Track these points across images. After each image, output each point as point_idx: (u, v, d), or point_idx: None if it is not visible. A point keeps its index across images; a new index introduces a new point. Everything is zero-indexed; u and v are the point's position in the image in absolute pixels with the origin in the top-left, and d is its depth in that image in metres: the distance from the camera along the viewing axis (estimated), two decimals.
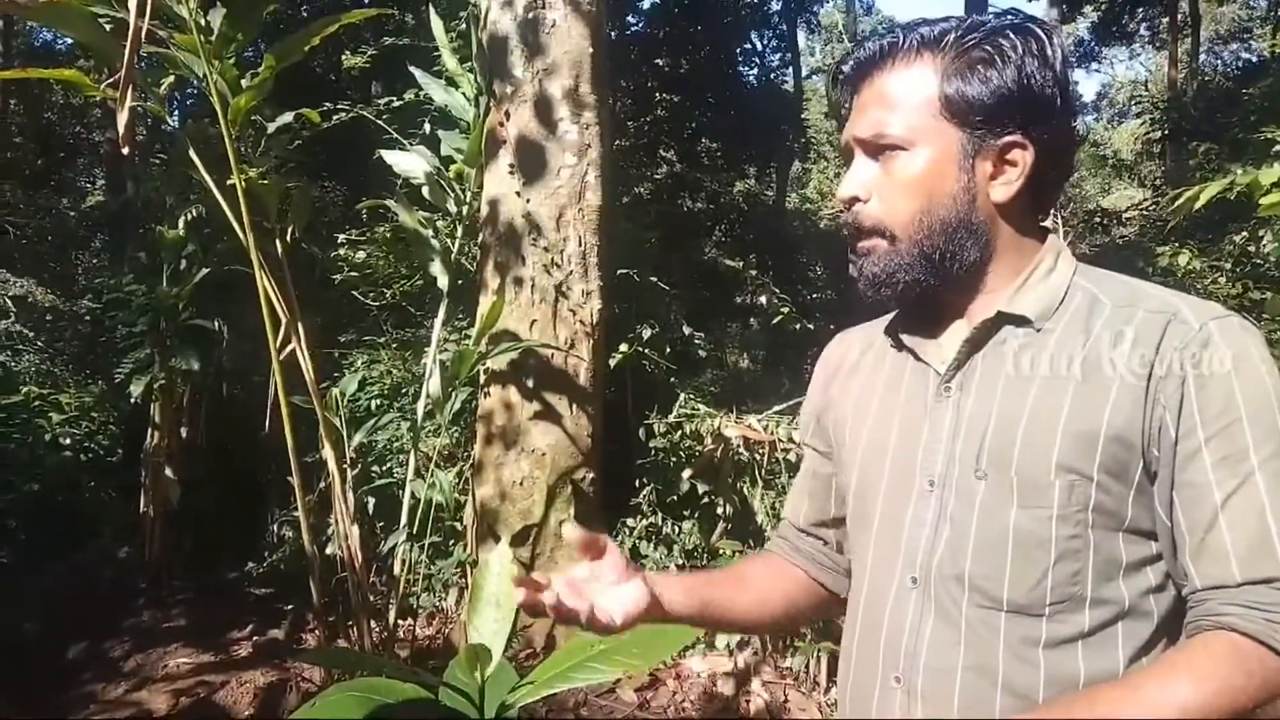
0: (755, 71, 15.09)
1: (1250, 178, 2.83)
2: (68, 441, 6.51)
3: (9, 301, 11.79)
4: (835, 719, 1.18)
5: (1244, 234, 6.07)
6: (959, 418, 1.04)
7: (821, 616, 1.28)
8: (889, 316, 1.19)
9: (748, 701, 3.54)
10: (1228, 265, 6.22)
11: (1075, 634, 0.97)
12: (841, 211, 1.11)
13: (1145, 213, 9.36)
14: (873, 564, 1.12)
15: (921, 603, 1.04)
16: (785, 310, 4.59)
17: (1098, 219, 9.43)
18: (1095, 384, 0.97)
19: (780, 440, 4.02)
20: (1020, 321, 1.04)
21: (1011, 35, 1.02)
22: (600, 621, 0.97)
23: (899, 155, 1.04)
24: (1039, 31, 1.03)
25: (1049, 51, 1.02)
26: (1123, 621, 0.97)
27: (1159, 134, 10.73)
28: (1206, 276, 6.12)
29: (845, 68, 1.10)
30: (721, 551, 3.96)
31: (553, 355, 3.98)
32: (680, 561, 4.02)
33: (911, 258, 1.05)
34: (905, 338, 1.14)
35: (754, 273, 8.62)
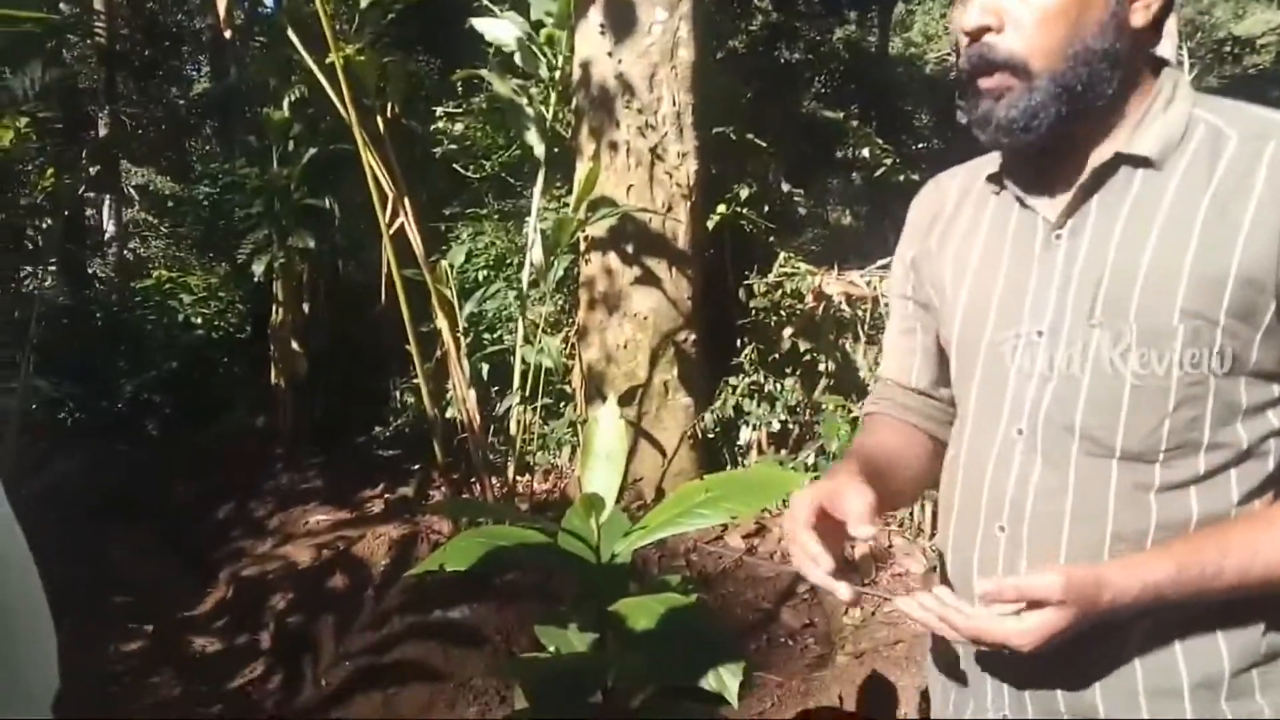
0: None
1: None
2: (199, 321, 6.89)
3: (133, 191, 12.33)
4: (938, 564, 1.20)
5: None
6: (1070, 266, 1.00)
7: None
8: (989, 158, 1.11)
9: (853, 548, 3.64)
10: None
11: (1190, 478, 0.96)
12: (962, 44, 1.01)
13: None
14: (975, 416, 1.10)
15: (1027, 453, 1.02)
16: (889, 162, 4.47)
17: (1228, 47, 8.71)
18: (1224, 223, 0.92)
19: (883, 295, 4.00)
20: (1140, 162, 0.98)
21: None
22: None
23: None
24: None
25: None
26: (1238, 465, 0.96)
27: None
28: None
29: None
30: (824, 406, 4.01)
31: (650, 219, 4.00)
32: (783, 418, 4.09)
33: (1053, 94, 0.96)
34: (1010, 183, 1.07)
35: (855, 124, 8.31)
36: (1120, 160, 0.98)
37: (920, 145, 13.22)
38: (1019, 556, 1.02)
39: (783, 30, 11.95)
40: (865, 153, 6.53)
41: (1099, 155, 1.00)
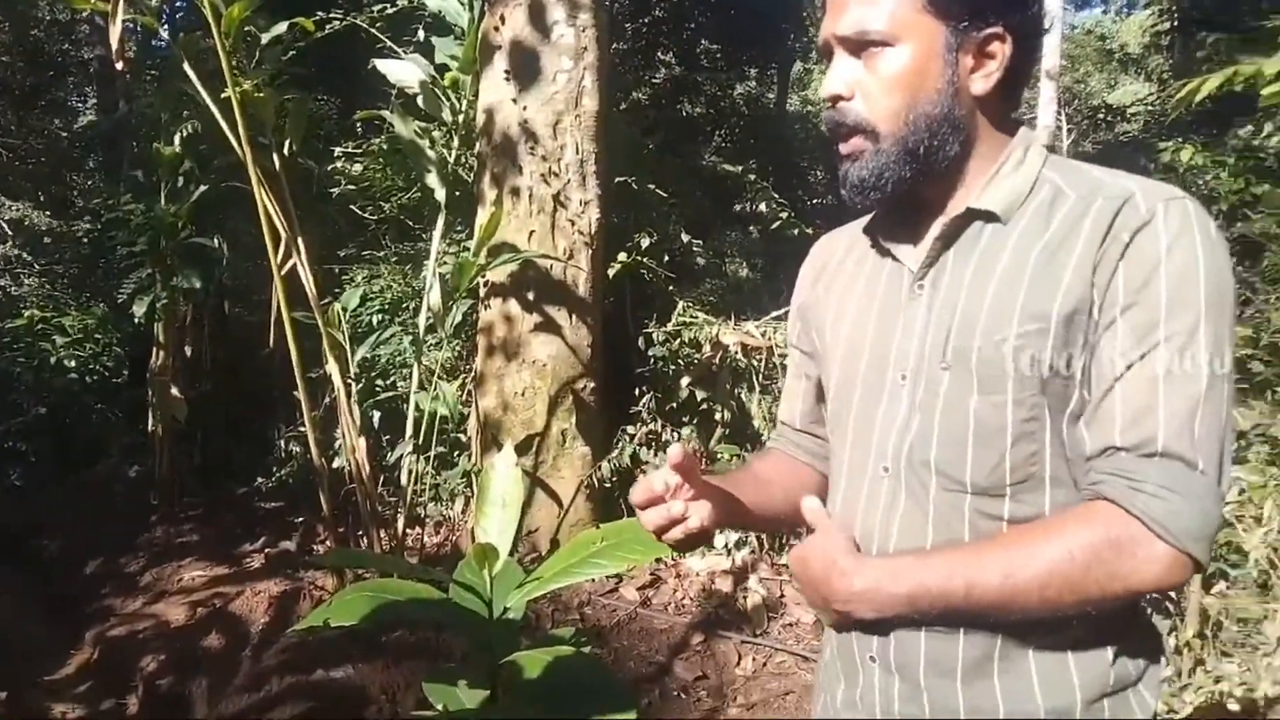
0: None
1: (1254, 69, 2.79)
2: (72, 364, 6.55)
3: (5, 225, 11.74)
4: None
5: (1249, 127, 5.97)
6: (929, 314, 1.07)
7: None
8: (870, 217, 1.21)
9: (745, 597, 3.63)
10: (1230, 160, 6.14)
11: (1037, 512, 1.01)
12: (825, 109, 1.10)
13: (1150, 108, 9.21)
14: (850, 457, 1.16)
15: (894, 489, 1.09)
16: (785, 216, 4.56)
17: (1102, 115, 9.26)
18: (1050, 271, 0.99)
19: (778, 346, 4.04)
20: (988, 217, 1.05)
21: None
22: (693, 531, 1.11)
23: (883, 51, 1.03)
24: None
25: None
26: (1080, 498, 1.00)
27: (1167, 25, 10.48)
28: (1209, 171, 6.04)
29: None
30: (719, 456, 4.01)
31: (552, 266, 3.98)
32: None
33: (897, 155, 1.05)
34: (881, 238, 1.16)
35: (753, 178, 8.50)
36: (972, 215, 1.06)
37: (815, 201, 13.57)
38: None
39: (685, 84, 12.20)
40: (763, 206, 6.65)
41: (952, 209, 1.08)
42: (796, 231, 4.77)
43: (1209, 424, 0.92)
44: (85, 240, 6.02)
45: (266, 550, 4.53)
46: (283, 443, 5.50)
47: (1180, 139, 6.06)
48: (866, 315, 1.15)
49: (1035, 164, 1.07)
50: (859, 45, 1.05)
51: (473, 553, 1.73)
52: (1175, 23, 10.01)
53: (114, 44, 3.22)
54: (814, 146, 14.75)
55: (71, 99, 16.02)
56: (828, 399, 1.24)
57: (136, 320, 5.05)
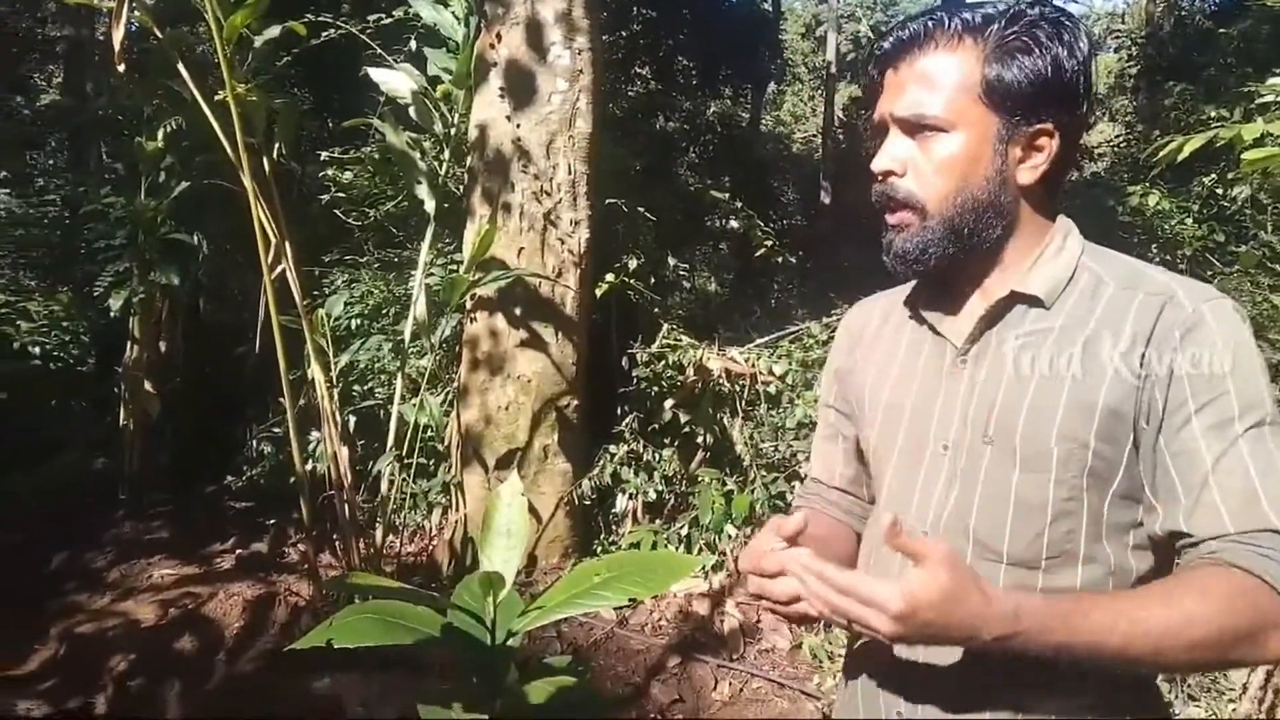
0: None
1: (1233, 133, 2.91)
2: (37, 351, 6.43)
3: None
4: (844, 655, 1.26)
5: (1213, 176, 6.18)
6: (972, 388, 1.12)
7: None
8: (907, 288, 1.26)
9: (722, 621, 3.69)
10: (1195, 207, 6.34)
11: (1069, 587, 1.06)
12: (876, 182, 1.15)
13: (1118, 149, 9.44)
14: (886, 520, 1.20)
15: None
16: (769, 244, 4.64)
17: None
18: (1096, 360, 1.05)
19: (761, 373, 4.11)
20: (1032, 301, 1.11)
21: (1046, 25, 1.07)
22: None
23: (938, 136, 1.09)
24: (1069, 23, 1.09)
25: (1080, 43, 1.08)
26: (1111, 578, 1.06)
27: (1134, 69, 10.77)
28: (1174, 217, 6.24)
29: (885, 44, 1.14)
30: (700, 479, 4.07)
31: (540, 283, 4.01)
32: (660, 488, 4.13)
33: (942, 234, 1.11)
34: (923, 310, 1.21)
35: (726, 196, 8.60)
36: (1015, 297, 1.12)
37: (786, 221, 13.70)
38: (918, 652, 1.11)
39: (659, 100, 12.28)
40: (734, 224, 6.73)
41: (997, 291, 1.14)
42: (781, 259, 4.83)
43: None
44: (51, 225, 5.89)
45: (238, 551, 4.50)
46: (254, 443, 5.46)
47: (1147, 183, 6.24)
48: (908, 384, 1.20)
49: (1074, 251, 1.14)
50: (915, 127, 1.10)
51: (477, 581, 1.76)
52: (1141, 67, 10.27)
53: (116, 46, 3.20)
54: (786, 166, 14.91)
55: (35, 77, 15.67)
56: (869, 460, 1.28)
57: (112, 313, 4.98)
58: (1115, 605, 0.98)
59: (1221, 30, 9.16)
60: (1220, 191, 6.00)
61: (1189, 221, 6.11)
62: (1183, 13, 10.86)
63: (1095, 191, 7.50)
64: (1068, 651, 0.95)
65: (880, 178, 1.14)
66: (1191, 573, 1.01)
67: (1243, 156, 2.82)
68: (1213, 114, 6.22)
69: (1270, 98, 3.20)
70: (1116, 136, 9.83)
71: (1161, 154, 3.14)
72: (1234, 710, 2.36)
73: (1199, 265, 5.42)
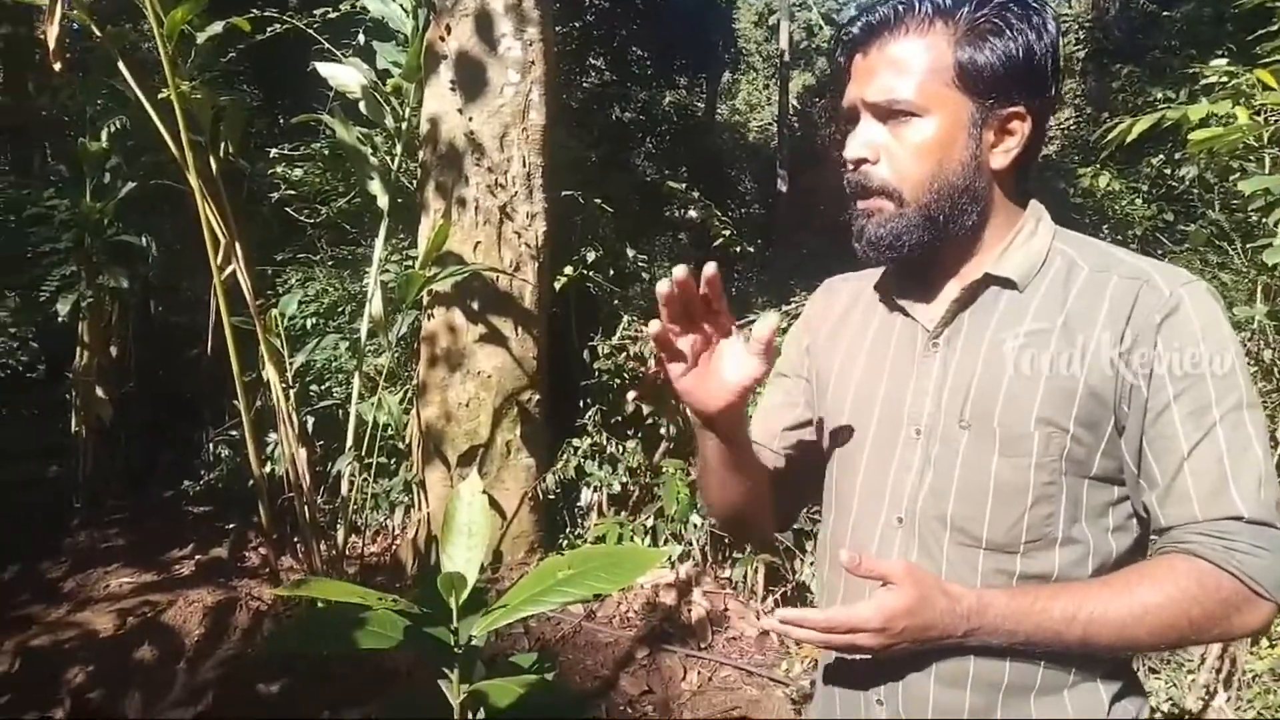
0: None
1: (1180, 113, 2.95)
2: None
3: None
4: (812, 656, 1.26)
5: (1161, 157, 6.28)
6: (945, 371, 1.12)
7: (762, 523, 1.36)
8: (876, 272, 1.25)
9: (689, 610, 3.69)
10: (1144, 187, 6.45)
11: (1047, 571, 1.07)
12: (846, 170, 1.14)
13: (1068, 132, 9.56)
14: (858, 506, 1.18)
15: (906, 540, 1.12)
16: (727, 234, 4.64)
17: None
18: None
19: None
20: (1005, 283, 1.11)
21: (1016, 8, 1.07)
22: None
23: (912, 121, 1.08)
24: (1038, 5, 1.09)
25: (1048, 25, 1.08)
26: (1090, 559, 1.07)
27: (1082, 53, 10.89)
28: (1124, 198, 6.34)
29: (854, 29, 1.13)
30: (664, 469, 4.07)
31: (497, 278, 3.98)
32: (624, 480, 4.12)
33: (919, 220, 1.10)
34: (894, 295, 1.20)
35: (683, 186, 8.59)
36: (989, 280, 1.12)
37: (743, 210, 13.73)
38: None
39: (614, 92, 12.24)
40: (692, 213, 6.73)
41: (970, 274, 1.14)
42: (739, 249, 4.83)
43: (1270, 487, 1.01)
44: None
45: (197, 557, 4.43)
46: (211, 446, 5.37)
47: (1097, 165, 6.32)
48: (878, 368, 1.19)
49: (1046, 236, 1.14)
50: (887, 113, 1.09)
51: (440, 581, 1.74)
52: (1088, 51, 10.39)
53: (51, 44, 3.12)
54: (742, 156, 14.93)
55: None
56: (828, 444, 1.25)
57: (60, 318, 4.87)
58: (1076, 597, 1.02)
59: (1165, 13, 9.31)
60: (1169, 171, 6.10)
61: (1139, 202, 6.22)
62: None
63: (1046, 174, 7.59)
64: (1031, 642, 1.02)
65: (852, 165, 1.13)
66: (1157, 562, 1.04)
67: (1189, 137, 2.86)
68: (1159, 96, 6.33)
69: (1214, 79, 3.25)
70: (1066, 119, 9.95)
71: (1111, 136, 3.19)
72: (1193, 680, 2.41)
73: (1149, 244, 5.51)
